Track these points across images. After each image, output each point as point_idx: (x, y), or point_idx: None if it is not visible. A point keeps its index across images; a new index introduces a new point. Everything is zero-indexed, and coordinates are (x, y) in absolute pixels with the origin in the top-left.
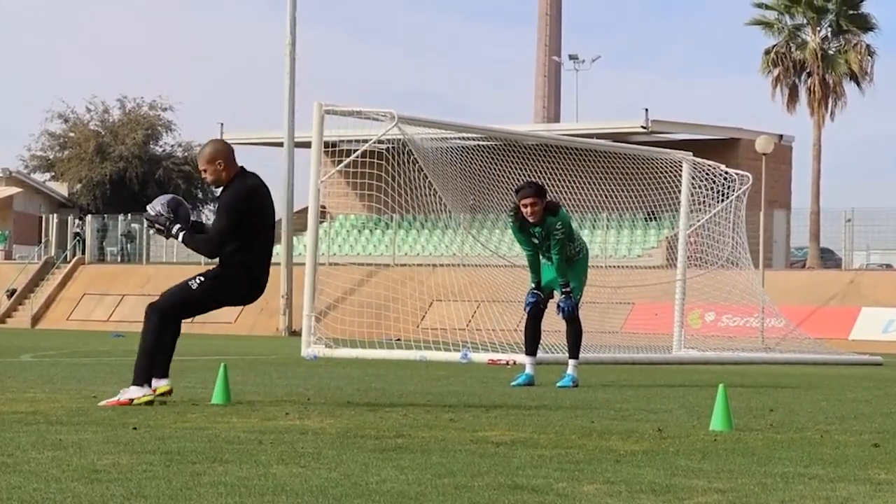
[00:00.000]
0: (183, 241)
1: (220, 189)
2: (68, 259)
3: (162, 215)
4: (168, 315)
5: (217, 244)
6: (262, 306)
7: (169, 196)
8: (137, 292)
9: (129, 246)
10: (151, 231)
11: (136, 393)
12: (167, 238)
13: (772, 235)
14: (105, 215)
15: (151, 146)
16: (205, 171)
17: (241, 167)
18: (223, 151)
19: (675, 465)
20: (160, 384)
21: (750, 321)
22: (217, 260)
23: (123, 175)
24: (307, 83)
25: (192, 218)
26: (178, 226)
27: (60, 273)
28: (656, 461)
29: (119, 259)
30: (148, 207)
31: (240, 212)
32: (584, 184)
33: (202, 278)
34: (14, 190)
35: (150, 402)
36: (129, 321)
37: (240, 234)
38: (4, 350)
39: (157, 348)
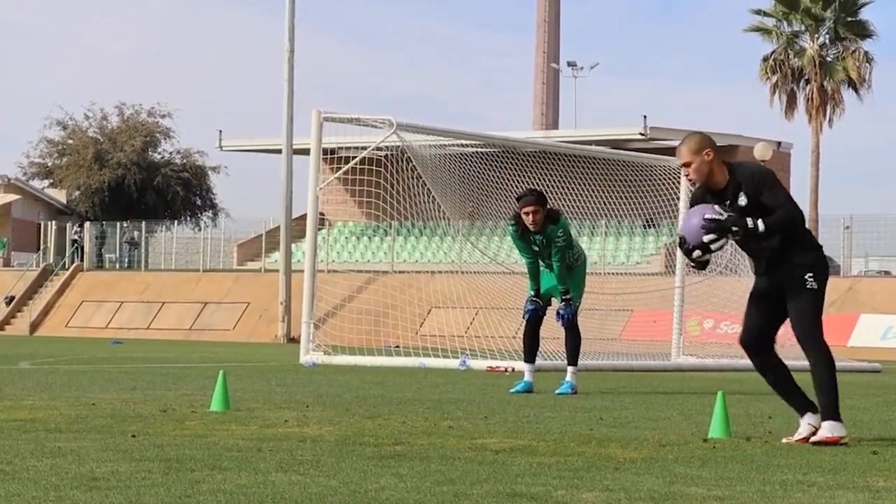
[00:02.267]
0: (767, 229)
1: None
2: (67, 266)
3: (722, 217)
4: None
5: (795, 205)
6: (260, 313)
7: (702, 206)
8: (136, 299)
9: (133, 253)
10: (715, 242)
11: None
12: (735, 234)
13: None
14: (103, 222)
15: (150, 153)
16: (688, 164)
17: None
18: (707, 140)
19: (674, 472)
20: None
21: None
22: (780, 245)
23: (122, 182)
24: (306, 90)
25: None
26: (749, 219)
27: (59, 280)
28: (655, 469)
29: (125, 265)
30: (703, 221)
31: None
32: (583, 191)
33: (810, 274)
34: (12, 197)
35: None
36: (128, 328)
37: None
38: (3, 357)
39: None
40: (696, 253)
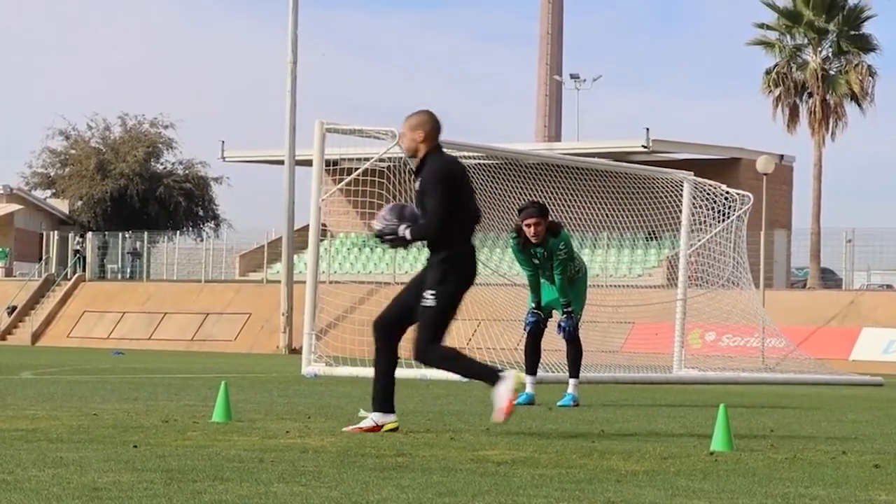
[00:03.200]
0: (413, 239)
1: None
2: (69, 276)
3: (388, 224)
4: (435, 349)
5: (441, 218)
6: (262, 324)
7: (390, 205)
8: (138, 310)
9: (135, 263)
10: (386, 247)
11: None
12: (404, 246)
13: (772, 255)
14: (106, 232)
15: (152, 163)
16: (402, 135)
17: (438, 145)
18: (428, 122)
19: (676, 485)
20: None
21: (750, 341)
22: (427, 255)
23: (124, 192)
24: (309, 101)
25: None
26: (402, 226)
27: (61, 290)
28: (657, 481)
29: (127, 276)
30: (375, 225)
31: (448, 184)
32: (585, 203)
33: (432, 292)
34: (15, 207)
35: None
36: (130, 338)
37: (453, 210)
38: (4, 367)
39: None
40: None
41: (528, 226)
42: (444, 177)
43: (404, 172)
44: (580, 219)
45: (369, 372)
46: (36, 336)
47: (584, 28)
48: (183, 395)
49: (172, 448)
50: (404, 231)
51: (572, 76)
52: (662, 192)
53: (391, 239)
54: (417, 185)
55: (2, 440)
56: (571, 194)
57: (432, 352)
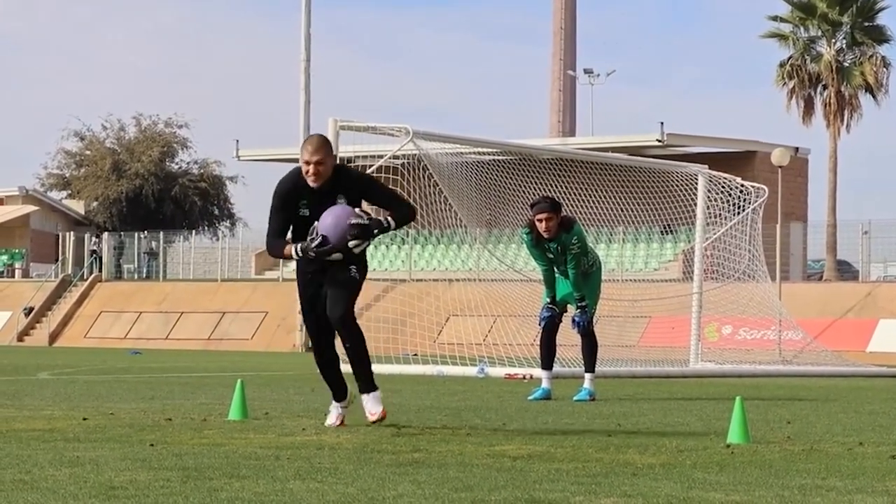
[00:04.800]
0: (397, 226)
1: (327, 181)
2: (85, 277)
3: (369, 219)
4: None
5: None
6: (278, 323)
7: (334, 213)
8: (154, 309)
9: (151, 263)
10: (359, 247)
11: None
12: (375, 236)
13: (788, 248)
14: (122, 233)
15: (167, 163)
16: (322, 162)
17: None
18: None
19: (693, 477)
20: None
21: (767, 334)
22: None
23: (140, 193)
24: (322, 100)
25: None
26: (381, 217)
27: (77, 291)
28: (673, 474)
29: (143, 276)
30: (353, 221)
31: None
32: (600, 197)
33: (354, 267)
34: (31, 208)
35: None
36: (147, 338)
37: None
38: (22, 368)
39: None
40: (336, 256)
41: (540, 220)
42: (368, 176)
43: (418, 169)
44: (595, 214)
45: (385, 369)
46: (53, 337)
47: (598, 23)
48: (199, 393)
49: (189, 446)
50: (388, 220)
51: (586, 71)
52: (677, 186)
53: (377, 232)
54: (341, 200)
55: (19, 440)
56: (586, 189)
57: (354, 321)
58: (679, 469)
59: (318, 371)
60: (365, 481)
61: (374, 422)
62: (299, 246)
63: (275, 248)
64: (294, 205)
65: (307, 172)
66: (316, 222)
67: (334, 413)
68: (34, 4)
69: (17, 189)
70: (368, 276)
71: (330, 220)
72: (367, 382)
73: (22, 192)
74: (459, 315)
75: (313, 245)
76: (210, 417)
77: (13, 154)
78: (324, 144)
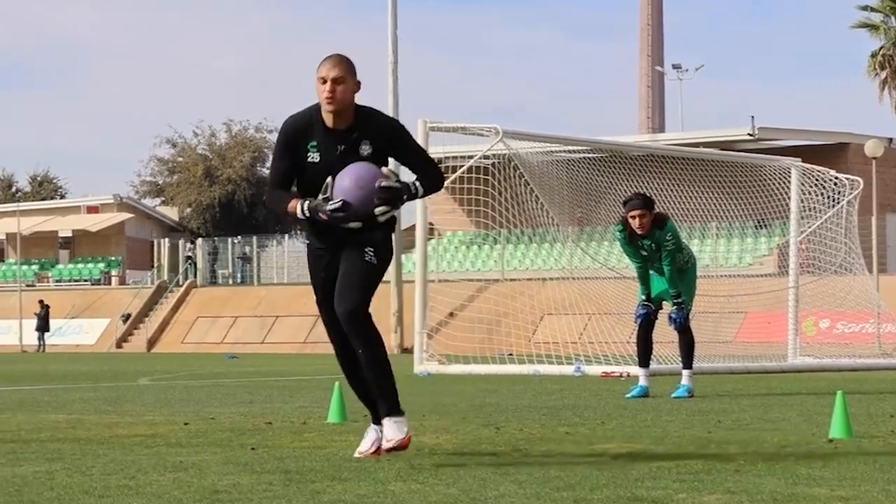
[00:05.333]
0: (425, 193)
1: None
2: (181, 283)
3: (401, 183)
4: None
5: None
6: None
7: (352, 172)
8: (250, 314)
9: (245, 268)
10: (385, 214)
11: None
12: (403, 203)
13: (885, 240)
14: (215, 238)
15: (258, 168)
16: (342, 80)
17: None
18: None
19: (797, 473)
20: None
21: (866, 327)
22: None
23: (232, 198)
24: (411, 101)
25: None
26: (407, 183)
27: (173, 297)
28: (777, 470)
29: (238, 281)
30: (383, 184)
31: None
32: (693, 193)
33: (371, 249)
34: (125, 216)
35: None
36: (243, 343)
37: None
38: (122, 374)
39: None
40: (354, 224)
41: (633, 217)
42: (400, 124)
43: (509, 168)
44: (688, 209)
45: (481, 369)
46: (151, 343)
47: (685, 18)
48: (297, 396)
49: (290, 449)
50: (416, 186)
51: (674, 66)
52: (770, 180)
53: (406, 198)
54: (366, 149)
55: (122, 446)
56: (678, 185)
57: (367, 321)
58: (782, 465)
59: (348, 382)
60: (466, 482)
61: (389, 450)
62: (307, 204)
63: (277, 201)
64: (302, 147)
65: (323, 93)
66: (329, 178)
67: (369, 438)
68: (125, 13)
69: (111, 197)
70: (461, 276)
71: (349, 181)
72: (389, 403)
73: (116, 200)
74: (554, 314)
75: (328, 208)
76: (310, 420)
77: (107, 163)
78: (346, 61)
